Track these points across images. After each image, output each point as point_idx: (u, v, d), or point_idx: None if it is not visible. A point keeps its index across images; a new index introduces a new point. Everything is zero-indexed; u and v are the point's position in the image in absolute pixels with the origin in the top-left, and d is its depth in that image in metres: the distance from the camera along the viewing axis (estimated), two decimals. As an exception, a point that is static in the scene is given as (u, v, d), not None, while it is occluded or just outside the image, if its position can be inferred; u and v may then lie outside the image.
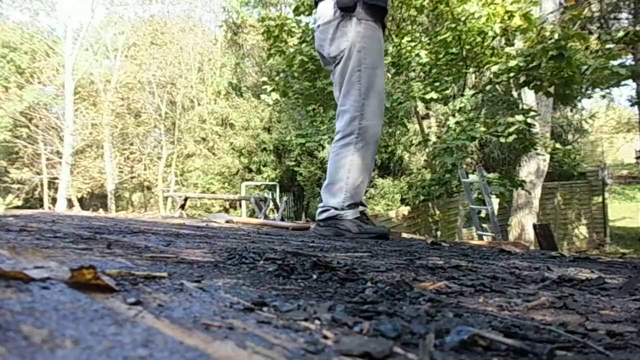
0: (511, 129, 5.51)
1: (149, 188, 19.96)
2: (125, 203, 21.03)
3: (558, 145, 6.75)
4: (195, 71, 19.13)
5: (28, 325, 0.38)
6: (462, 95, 6.84)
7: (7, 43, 17.94)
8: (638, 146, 19.26)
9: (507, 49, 5.87)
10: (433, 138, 11.73)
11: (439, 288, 0.80)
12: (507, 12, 5.43)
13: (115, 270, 0.68)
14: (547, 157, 8.27)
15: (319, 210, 2.28)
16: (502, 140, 5.67)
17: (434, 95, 6.48)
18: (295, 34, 7.31)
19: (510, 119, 5.67)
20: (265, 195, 13.11)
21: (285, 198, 12.15)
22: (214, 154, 18.01)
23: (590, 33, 8.72)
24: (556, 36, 5.24)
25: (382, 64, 2.24)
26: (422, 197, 10.87)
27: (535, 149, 6.21)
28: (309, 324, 0.49)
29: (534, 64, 5.29)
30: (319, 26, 2.25)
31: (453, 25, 5.80)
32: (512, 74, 5.53)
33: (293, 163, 16.23)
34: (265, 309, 0.55)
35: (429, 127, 13.16)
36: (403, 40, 6.81)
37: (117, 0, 18.61)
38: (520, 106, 6.73)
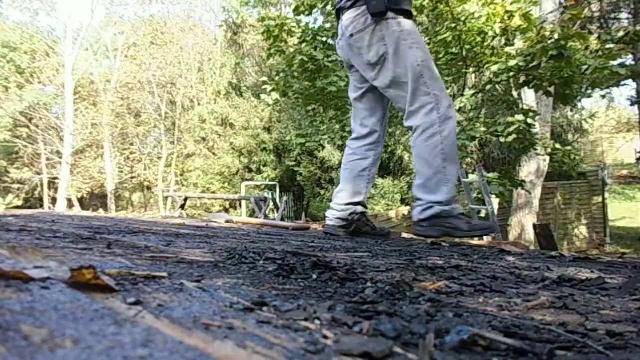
0: (511, 129, 5.50)
1: (149, 188, 19.97)
2: (125, 203, 21.04)
3: (558, 146, 6.74)
4: (195, 71, 19.14)
5: (28, 325, 0.38)
6: (462, 95, 6.84)
7: (7, 43, 17.94)
8: (638, 146, 19.26)
9: (507, 49, 5.87)
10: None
11: (439, 288, 0.80)
12: (507, 12, 5.42)
13: (115, 270, 0.68)
14: (547, 157, 8.27)
15: (420, 208, 2.12)
16: (502, 140, 5.66)
17: (434, 95, 6.43)
18: (295, 34, 7.30)
19: (510, 119, 5.66)
20: (265, 195, 13.11)
21: (285, 198, 12.17)
22: (214, 154, 18.03)
23: (590, 33, 8.71)
24: (556, 36, 5.23)
25: (429, 54, 2.23)
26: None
27: (535, 149, 6.21)
28: (309, 324, 0.49)
29: (534, 63, 5.29)
30: (351, 35, 2.21)
31: (453, 25, 5.80)
32: (512, 74, 5.52)
33: (293, 163, 16.24)
34: (265, 309, 0.55)
35: (429, 127, 13.13)
36: (403, 40, 6.79)
37: (117, 0, 18.63)
38: (521, 106, 6.73)
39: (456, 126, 2.17)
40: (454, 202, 2.12)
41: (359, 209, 2.38)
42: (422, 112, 2.12)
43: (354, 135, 2.46)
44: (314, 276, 0.83)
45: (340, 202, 2.39)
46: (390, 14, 2.12)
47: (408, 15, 2.18)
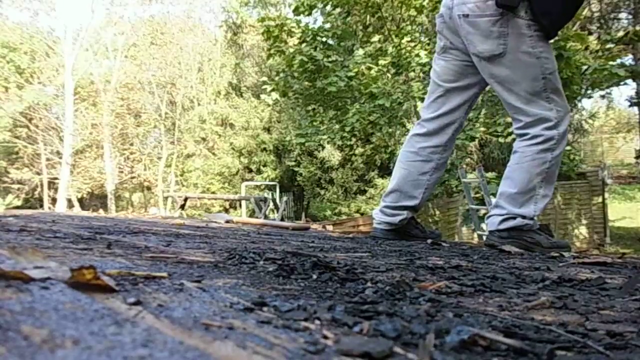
0: (511, 129, 5.51)
1: (149, 188, 19.98)
2: (125, 203, 21.03)
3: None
4: (195, 71, 19.16)
5: (28, 325, 0.38)
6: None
7: (7, 43, 17.95)
8: (638, 146, 19.27)
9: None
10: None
11: (439, 288, 0.80)
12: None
13: (115, 270, 0.68)
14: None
15: (500, 218, 1.95)
16: (502, 140, 5.67)
17: (433, 95, 6.44)
18: (295, 34, 7.31)
19: (509, 119, 5.67)
20: (265, 195, 13.11)
21: (285, 198, 12.16)
22: (214, 154, 18.04)
23: (590, 33, 8.72)
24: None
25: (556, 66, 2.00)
26: (421, 197, 10.84)
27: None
28: (309, 324, 0.49)
29: (534, 64, 5.29)
30: (466, 15, 1.91)
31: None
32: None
33: (293, 163, 16.25)
34: (265, 309, 0.55)
35: (429, 127, 13.13)
36: (403, 40, 6.81)
37: (117, 0, 18.64)
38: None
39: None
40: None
41: (410, 213, 2.20)
42: (541, 126, 1.92)
43: (421, 130, 2.16)
44: (314, 276, 0.83)
45: (391, 204, 2.20)
46: (522, 13, 1.84)
47: (546, 30, 1.90)
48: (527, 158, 1.93)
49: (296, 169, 16.22)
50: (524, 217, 1.91)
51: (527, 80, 1.89)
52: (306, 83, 7.23)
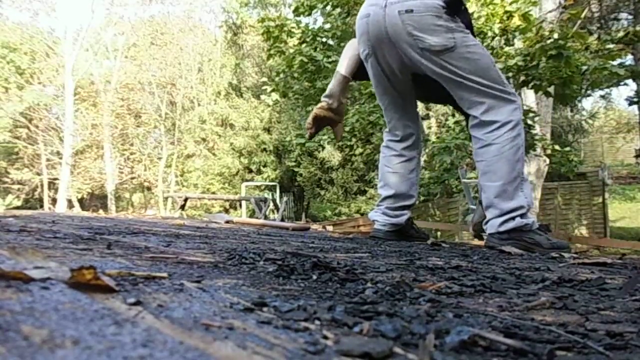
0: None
1: (149, 189, 19.98)
2: (125, 204, 21.03)
3: (557, 147, 6.73)
4: (195, 72, 19.16)
5: (28, 325, 0.38)
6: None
7: (7, 43, 17.96)
8: (638, 145, 19.25)
9: (507, 49, 5.86)
10: (433, 138, 11.75)
11: (439, 288, 0.80)
12: (506, 12, 5.42)
13: (115, 271, 0.68)
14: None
15: (499, 219, 1.94)
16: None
17: (433, 95, 6.44)
18: (295, 35, 7.31)
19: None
20: (266, 195, 13.11)
21: (285, 198, 12.17)
22: (214, 154, 18.05)
23: (590, 33, 8.72)
24: (555, 36, 5.24)
25: None
26: (421, 197, 10.87)
27: (535, 150, 6.21)
28: (309, 324, 0.49)
29: (533, 63, 5.29)
30: (411, 11, 1.89)
31: (453, 26, 5.79)
32: (511, 74, 5.53)
33: (293, 163, 16.25)
34: (265, 309, 0.55)
35: (429, 127, 13.17)
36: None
37: (117, 0, 18.64)
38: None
39: None
40: (532, 215, 2.01)
41: (409, 212, 2.31)
42: (508, 108, 1.95)
43: (395, 137, 2.31)
44: (314, 277, 0.83)
45: (391, 206, 2.28)
46: (462, 16, 1.94)
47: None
48: (506, 147, 1.93)
49: (296, 169, 16.23)
50: (521, 214, 1.92)
51: (482, 70, 1.94)
52: (306, 83, 7.23)
